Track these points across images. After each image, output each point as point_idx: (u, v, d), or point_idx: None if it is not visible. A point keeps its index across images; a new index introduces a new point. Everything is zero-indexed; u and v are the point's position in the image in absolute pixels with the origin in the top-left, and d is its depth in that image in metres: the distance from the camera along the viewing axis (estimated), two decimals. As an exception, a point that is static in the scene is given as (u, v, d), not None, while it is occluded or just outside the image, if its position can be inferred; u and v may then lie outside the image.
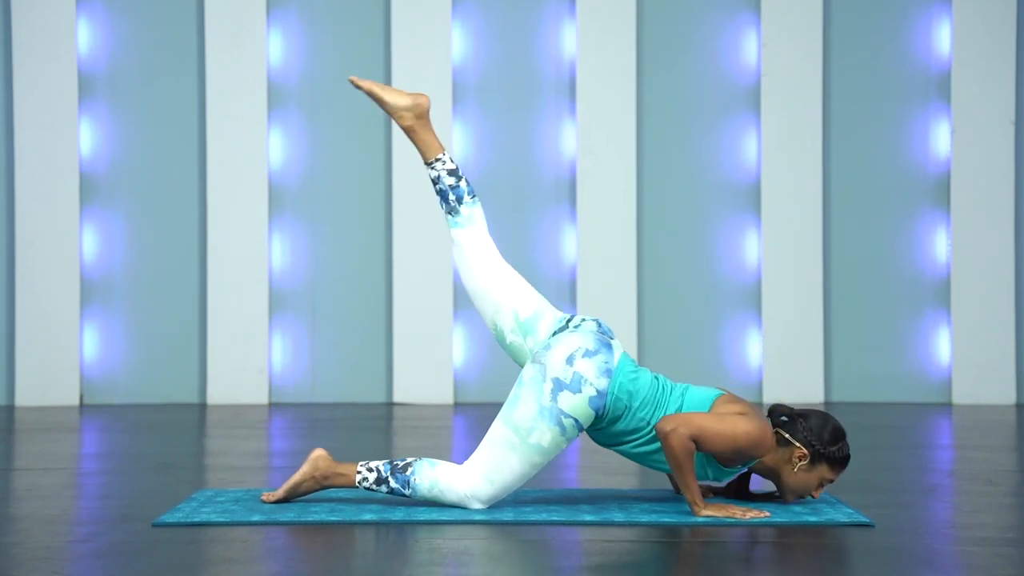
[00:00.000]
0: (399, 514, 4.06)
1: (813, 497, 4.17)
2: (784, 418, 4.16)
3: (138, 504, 4.31)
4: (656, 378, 4.16)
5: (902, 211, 7.96)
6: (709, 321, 7.97)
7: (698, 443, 3.99)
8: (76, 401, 7.82)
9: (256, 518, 4.00)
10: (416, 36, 7.86)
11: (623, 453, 4.17)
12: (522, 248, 7.89)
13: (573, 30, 7.95)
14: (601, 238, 7.86)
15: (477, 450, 4.13)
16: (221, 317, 7.83)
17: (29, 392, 7.80)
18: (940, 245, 7.93)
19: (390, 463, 4.17)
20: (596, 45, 7.89)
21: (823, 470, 4.13)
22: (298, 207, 7.94)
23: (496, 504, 4.19)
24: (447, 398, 7.88)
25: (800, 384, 7.88)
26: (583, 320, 4.18)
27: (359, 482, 4.17)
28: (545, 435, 4.06)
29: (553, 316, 4.21)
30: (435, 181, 4.24)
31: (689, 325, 7.97)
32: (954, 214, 7.87)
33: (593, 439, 4.20)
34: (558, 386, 4.05)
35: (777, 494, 4.29)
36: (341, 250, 7.94)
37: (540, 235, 7.95)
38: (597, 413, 4.08)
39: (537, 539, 3.78)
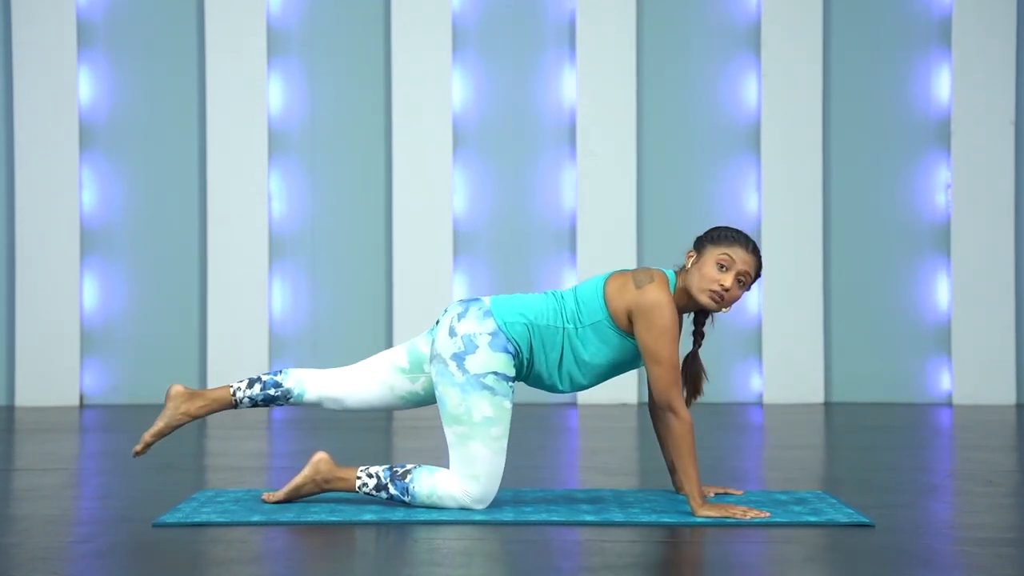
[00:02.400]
0: (399, 514, 4.06)
1: (724, 287, 4.09)
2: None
3: (138, 504, 4.31)
4: (544, 293, 4.21)
5: (904, 250, 7.96)
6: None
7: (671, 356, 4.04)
8: (76, 401, 7.82)
9: (256, 518, 4.00)
10: (417, 85, 7.86)
11: (594, 371, 4.17)
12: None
13: (574, 75, 7.95)
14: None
15: (449, 460, 4.15)
16: (221, 361, 7.82)
17: (29, 392, 7.80)
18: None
19: (390, 469, 4.18)
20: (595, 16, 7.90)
21: (711, 252, 4.10)
22: (299, 251, 7.95)
23: (496, 504, 4.20)
24: (447, 398, 7.87)
25: (800, 384, 7.88)
26: (445, 310, 4.24)
27: (359, 487, 4.18)
28: (482, 405, 4.08)
29: (423, 336, 4.27)
30: (253, 403, 4.24)
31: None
32: (955, 238, 7.86)
33: (545, 387, 4.21)
34: (458, 358, 4.10)
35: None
36: (342, 291, 7.95)
37: (542, 281, 7.96)
38: (507, 351, 4.11)
39: (537, 539, 3.78)
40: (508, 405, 4.13)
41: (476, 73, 7.97)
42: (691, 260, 4.15)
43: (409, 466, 4.19)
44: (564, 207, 7.97)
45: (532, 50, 7.98)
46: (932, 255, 7.96)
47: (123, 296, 7.91)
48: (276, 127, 7.95)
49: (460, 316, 4.15)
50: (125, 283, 7.93)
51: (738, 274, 4.11)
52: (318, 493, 4.24)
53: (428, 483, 4.13)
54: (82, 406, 7.80)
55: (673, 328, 4.08)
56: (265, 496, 4.25)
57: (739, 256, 4.10)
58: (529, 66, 7.98)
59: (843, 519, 4.00)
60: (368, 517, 4.02)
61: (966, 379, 7.87)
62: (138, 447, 4.24)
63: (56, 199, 7.81)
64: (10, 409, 7.64)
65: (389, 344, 7.92)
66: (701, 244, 4.15)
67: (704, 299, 4.12)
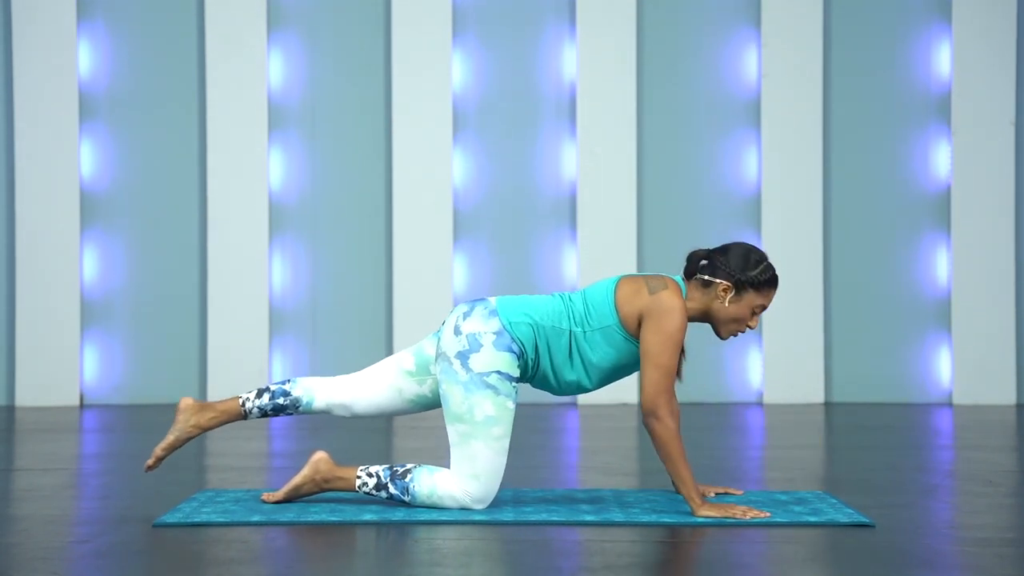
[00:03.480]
0: (399, 514, 4.06)
1: (750, 328, 4.16)
2: (703, 261, 4.17)
3: (138, 504, 4.31)
4: (552, 295, 4.21)
5: (903, 228, 7.96)
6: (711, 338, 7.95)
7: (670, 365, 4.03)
8: (76, 401, 7.82)
9: (256, 518, 4.00)
10: (417, 62, 7.86)
11: (600, 373, 4.16)
12: (523, 272, 7.92)
13: (574, 53, 7.95)
14: (602, 260, 7.84)
15: (450, 459, 4.15)
16: (221, 334, 7.83)
17: (29, 392, 7.81)
18: (941, 267, 7.94)
19: (390, 469, 4.18)
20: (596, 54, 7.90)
21: (751, 296, 4.12)
22: (299, 226, 7.94)
23: (496, 504, 4.20)
24: (447, 398, 7.87)
25: (800, 384, 7.88)
26: (451, 313, 4.24)
27: (359, 487, 4.18)
28: (485, 404, 4.08)
29: (428, 338, 4.27)
30: (263, 413, 4.25)
31: (692, 340, 7.96)
32: (955, 218, 7.86)
33: (549, 389, 4.21)
34: (463, 357, 4.10)
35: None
36: (341, 268, 7.95)
37: (541, 259, 7.95)
38: (511, 351, 4.11)
39: (537, 539, 3.78)
40: (511, 405, 4.13)
41: (476, 51, 7.96)
42: (727, 294, 4.12)
43: (409, 465, 4.19)
44: (564, 184, 7.96)
45: (532, 26, 7.97)
46: (932, 247, 7.96)
47: (123, 270, 7.89)
48: (276, 102, 7.93)
49: (465, 315, 4.15)
50: (125, 259, 7.90)
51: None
52: (317, 493, 4.24)
53: (428, 483, 4.13)
54: (82, 406, 7.80)
55: (680, 336, 4.07)
56: (265, 496, 4.25)
57: (772, 301, 4.19)
58: (529, 42, 7.97)
59: (843, 519, 4.00)
60: (368, 517, 4.02)
61: (966, 379, 7.87)
62: (150, 461, 4.24)
63: (56, 167, 7.78)
64: (10, 409, 7.64)
65: (388, 322, 7.90)
66: (743, 286, 4.12)
67: (725, 334, 4.18)
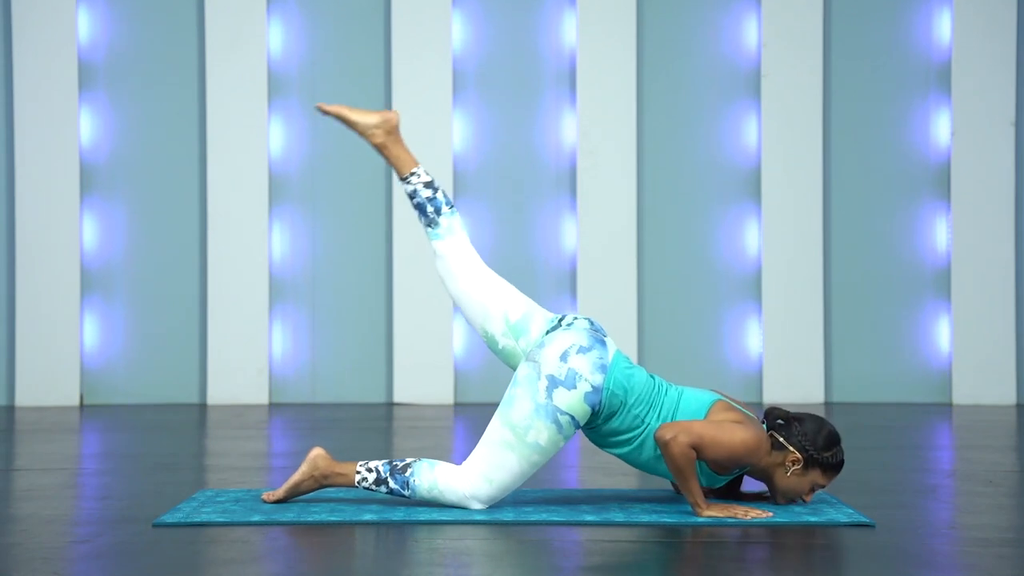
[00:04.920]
0: (399, 514, 4.06)
1: (804, 502, 4.17)
2: (780, 421, 4.16)
3: (138, 504, 4.31)
4: (652, 377, 4.17)
5: (903, 202, 7.95)
6: (709, 312, 7.96)
7: (697, 451, 3.99)
8: (76, 401, 7.82)
9: (256, 518, 4.00)
10: (417, 28, 7.85)
11: (621, 456, 4.17)
12: (522, 238, 7.91)
13: (574, 19, 7.95)
14: (601, 229, 7.86)
15: (475, 450, 4.13)
16: (221, 310, 7.82)
17: (29, 392, 7.80)
18: (940, 234, 7.93)
19: (389, 463, 4.17)
20: (596, 34, 7.89)
21: (816, 475, 4.13)
22: (299, 195, 7.94)
23: (496, 504, 4.20)
24: (447, 398, 7.88)
25: (800, 384, 7.88)
26: (576, 318, 4.19)
27: (358, 482, 4.17)
28: (542, 433, 4.06)
29: (543, 316, 4.22)
30: (411, 195, 4.25)
31: (689, 317, 7.97)
32: (955, 204, 7.86)
33: (589, 439, 4.21)
34: (553, 383, 4.06)
35: (768, 495, 4.30)
36: (342, 235, 7.94)
37: (540, 225, 7.96)
38: (593, 409, 4.08)
39: (537, 539, 3.78)
40: (562, 445, 4.12)
41: (476, 15, 7.95)
42: (794, 465, 4.10)
43: (409, 460, 4.18)
44: (564, 150, 7.96)
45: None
46: (933, 279, 7.95)
47: (122, 239, 7.88)
48: (276, 70, 7.91)
49: (582, 350, 4.09)
50: (125, 228, 7.88)
51: None
52: (317, 489, 4.23)
53: (429, 477, 4.12)
54: (82, 406, 7.80)
55: (740, 452, 4.02)
56: (265, 496, 4.25)
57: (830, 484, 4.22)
58: (529, 8, 7.96)
59: (843, 519, 4.00)
60: (368, 517, 4.01)
61: (966, 379, 7.87)
62: (271, 496, 4.22)
63: (56, 138, 7.77)
64: (10, 409, 7.64)
65: (389, 292, 7.88)
66: (813, 461, 4.11)
67: (779, 499, 4.17)
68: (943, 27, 7.92)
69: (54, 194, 7.79)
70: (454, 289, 4.25)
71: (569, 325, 4.16)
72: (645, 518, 4.02)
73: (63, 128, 7.79)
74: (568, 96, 7.96)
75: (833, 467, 4.13)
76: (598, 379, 4.07)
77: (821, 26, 7.87)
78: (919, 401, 7.94)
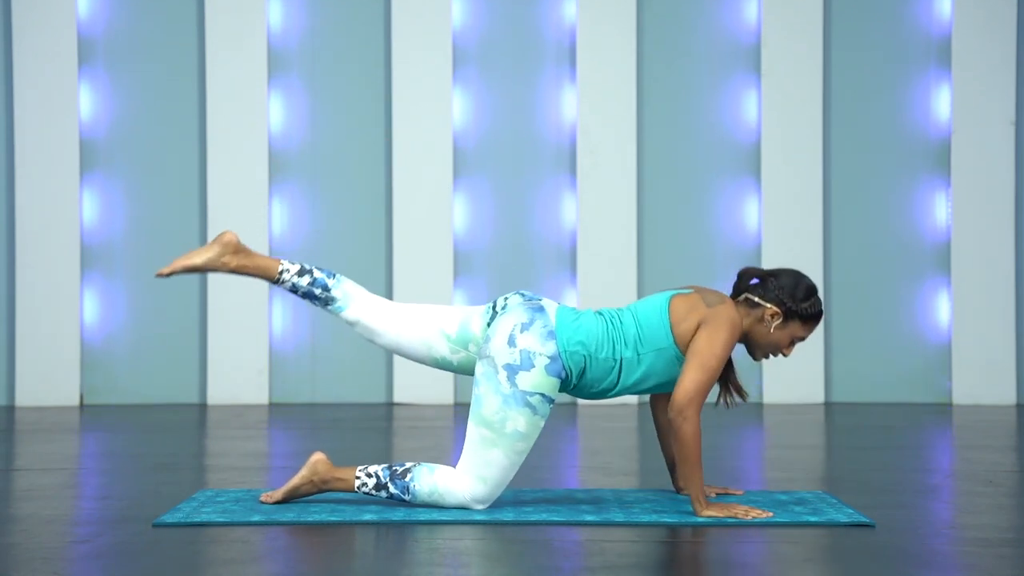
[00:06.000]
0: (399, 514, 4.06)
1: (784, 355, 4.20)
2: (755, 280, 4.19)
3: (138, 504, 4.31)
4: (599, 314, 4.18)
5: (903, 178, 7.94)
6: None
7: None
8: (76, 401, 7.82)
9: (256, 518, 4.00)
10: (417, 4, 7.85)
11: (617, 394, 4.19)
12: (521, 214, 7.92)
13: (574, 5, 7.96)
14: (601, 205, 7.85)
15: (462, 456, 4.14)
16: (222, 295, 7.81)
17: (29, 392, 7.80)
18: (941, 210, 7.93)
19: (389, 468, 4.17)
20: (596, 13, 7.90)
21: (795, 327, 4.16)
22: (299, 170, 7.92)
23: (496, 504, 4.20)
24: (447, 398, 7.88)
25: (800, 384, 7.88)
26: (506, 298, 4.20)
27: (358, 487, 4.17)
28: (519, 420, 4.07)
29: (478, 313, 4.23)
30: (294, 290, 4.21)
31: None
32: (955, 180, 7.84)
33: (581, 397, 4.23)
34: (512, 370, 4.07)
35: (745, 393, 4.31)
36: (342, 210, 7.93)
37: (540, 201, 7.96)
38: (560, 377, 4.10)
39: (537, 539, 3.78)
40: (542, 424, 4.12)
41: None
42: (774, 320, 4.14)
43: (408, 464, 4.19)
44: (564, 126, 7.95)
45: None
46: (933, 257, 7.95)
47: (122, 215, 7.87)
48: (276, 46, 7.91)
49: (524, 327, 4.10)
50: (124, 204, 7.88)
51: None
52: (316, 493, 4.23)
53: (429, 481, 4.13)
54: (82, 406, 7.80)
55: (730, 348, 4.09)
56: (263, 497, 4.25)
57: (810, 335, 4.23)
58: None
59: (843, 519, 4.00)
60: (368, 517, 4.02)
61: (966, 379, 7.87)
62: (164, 269, 4.17)
63: (56, 114, 7.77)
64: (10, 409, 7.64)
65: (389, 263, 7.86)
66: (792, 313, 4.14)
67: (759, 356, 4.22)
68: (944, 2, 7.92)
69: (53, 172, 7.77)
70: (386, 341, 4.22)
71: (504, 308, 4.18)
72: (645, 518, 4.02)
73: (63, 104, 7.77)
74: (568, 72, 7.96)
75: (813, 317, 4.15)
76: (551, 347, 4.09)
77: (821, 1, 7.89)
78: (919, 401, 7.92)
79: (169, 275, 4.16)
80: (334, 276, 4.23)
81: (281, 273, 4.19)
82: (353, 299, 4.21)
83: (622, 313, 4.18)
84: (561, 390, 4.16)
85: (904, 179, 7.95)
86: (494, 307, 4.20)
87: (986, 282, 7.85)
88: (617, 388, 4.17)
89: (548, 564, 3.51)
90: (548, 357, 4.08)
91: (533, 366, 4.07)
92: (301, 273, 4.19)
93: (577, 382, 4.15)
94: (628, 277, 7.85)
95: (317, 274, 4.21)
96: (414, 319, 4.21)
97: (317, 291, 4.20)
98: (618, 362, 4.12)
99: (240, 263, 4.17)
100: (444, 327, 4.20)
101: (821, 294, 7.84)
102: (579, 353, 4.10)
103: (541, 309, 4.15)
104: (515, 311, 4.14)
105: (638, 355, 4.12)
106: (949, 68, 7.89)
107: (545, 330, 4.10)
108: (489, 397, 4.08)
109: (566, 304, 4.26)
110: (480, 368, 4.12)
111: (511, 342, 4.08)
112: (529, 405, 4.07)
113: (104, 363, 7.89)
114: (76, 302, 7.81)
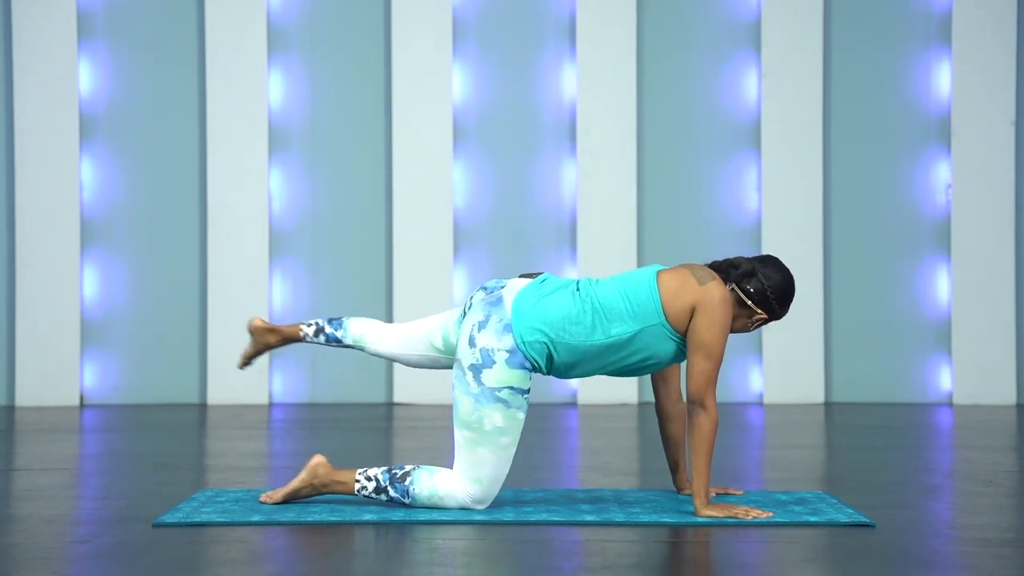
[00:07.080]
0: (399, 514, 4.06)
1: (748, 330, 4.26)
2: (748, 281, 4.19)
3: (138, 504, 4.31)
4: (566, 287, 4.17)
5: (903, 154, 7.95)
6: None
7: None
8: (76, 401, 7.82)
9: (256, 518, 4.00)
10: None
11: (607, 372, 4.20)
12: (522, 190, 7.93)
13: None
14: (601, 181, 7.85)
15: (454, 459, 4.16)
16: (221, 299, 7.82)
17: (29, 392, 7.80)
18: (942, 193, 7.94)
19: (388, 472, 4.18)
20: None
21: (767, 319, 4.22)
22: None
23: (496, 504, 4.20)
24: (447, 398, 7.87)
25: (800, 384, 7.88)
26: (471, 297, 4.23)
27: (358, 491, 4.18)
28: (494, 416, 4.09)
29: (451, 319, 4.27)
30: (319, 342, 4.38)
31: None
32: (955, 157, 7.84)
33: (575, 377, 4.23)
34: (475, 370, 4.10)
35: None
36: (342, 193, 7.92)
37: (540, 178, 7.96)
38: (524, 367, 4.11)
39: (537, 539, 3.78)
40: (521, 416, 4.13)
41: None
42: (757, 320, 4.20)
43: (408, 467, 4.19)
44: (565, 103, 7.95)
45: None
46: (932, 253, 7.95)
47: (122, 189, 7.87)
48: (274, 20, 7.89)
49: (481, 326, 4.13)
50: (123, 175, 7.88)
51: None
52: (315, 495, 4.23)
53: (428, 484, 4.13)
54: (82, 406, 7.80)
55: (728, 327, 4.12)
56: (262, 497, 4.25)
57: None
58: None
59: (843, 519, 4.00)
60: (368, 517, 4.02)
61: (966, 379, 7.87)
62: (240, 361, 4.44)
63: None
64: (10, 409, 7.64)
65: (389, 294, 7.86)
66: (768, 305, 4.18)
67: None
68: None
69: (53, 147, 7.75)
70: (406, 362, 4.36)
71: (469, 309, 4.21)
72: (645, 518, 4.02)
73: (63, 79, 7.76)
74: (568, 48, 7.97)
75: (786, 310, 4.22)
76: (507, 341, 4.10)
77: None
78: (919, 401, 7.93)
79: (244, 366, 4.48)
80: (341, 326, 4.37)
81: (304, 338, 4.39)
82: (367, 335, 4.35)
83: (598, 284, 4.18)
84: (548, 373, 4.17)
85: (905, 156, 7.94)
86: (464, 311, 4.23)
87: (986, 260, 7.85)
88: (596, 370, 4.17)
89: (548, 564, 3.52)
90: (507, 351, 4.10)
91: (494, 362, 4.09)
92: (316, 334, 4.37)
93: (549, 366, 4.15)
94: (628, 253, 7.85)
95: (329, 329, 4.37)
96: (413, 338, 4.33)
97: (334, 344, 4.38)
98: (591, 340, 4.11)
99: (275, 340, 4.40)
100: (433, 340, 4.29)
101: (820, 273, 7.85)
102: (538, 341, 4.10)
103: (498, 302, 4.16)
104: (475, 310, 4.18)
105: (627, 331, 4.11)
106: (950, 45, 7.89)
107: (500, 324, 4.12)
108: (462, 399, 4.11)
109: (547, 279, 4.23)
110: (453, 372, 4.17)
111: (471, 343, 4.12)
112: (500, 400, 4.08)
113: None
114: (76, 279, 7.79)
